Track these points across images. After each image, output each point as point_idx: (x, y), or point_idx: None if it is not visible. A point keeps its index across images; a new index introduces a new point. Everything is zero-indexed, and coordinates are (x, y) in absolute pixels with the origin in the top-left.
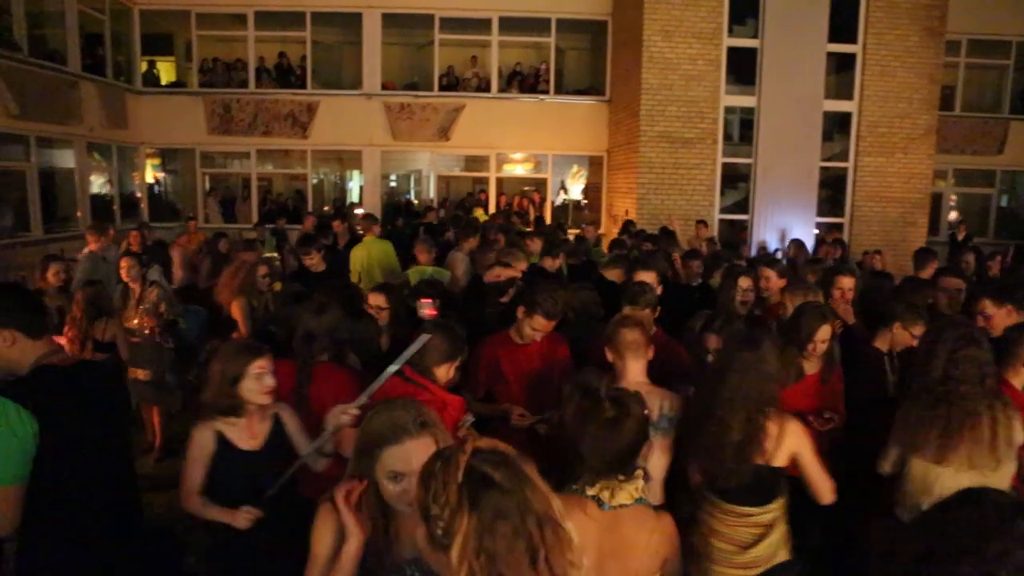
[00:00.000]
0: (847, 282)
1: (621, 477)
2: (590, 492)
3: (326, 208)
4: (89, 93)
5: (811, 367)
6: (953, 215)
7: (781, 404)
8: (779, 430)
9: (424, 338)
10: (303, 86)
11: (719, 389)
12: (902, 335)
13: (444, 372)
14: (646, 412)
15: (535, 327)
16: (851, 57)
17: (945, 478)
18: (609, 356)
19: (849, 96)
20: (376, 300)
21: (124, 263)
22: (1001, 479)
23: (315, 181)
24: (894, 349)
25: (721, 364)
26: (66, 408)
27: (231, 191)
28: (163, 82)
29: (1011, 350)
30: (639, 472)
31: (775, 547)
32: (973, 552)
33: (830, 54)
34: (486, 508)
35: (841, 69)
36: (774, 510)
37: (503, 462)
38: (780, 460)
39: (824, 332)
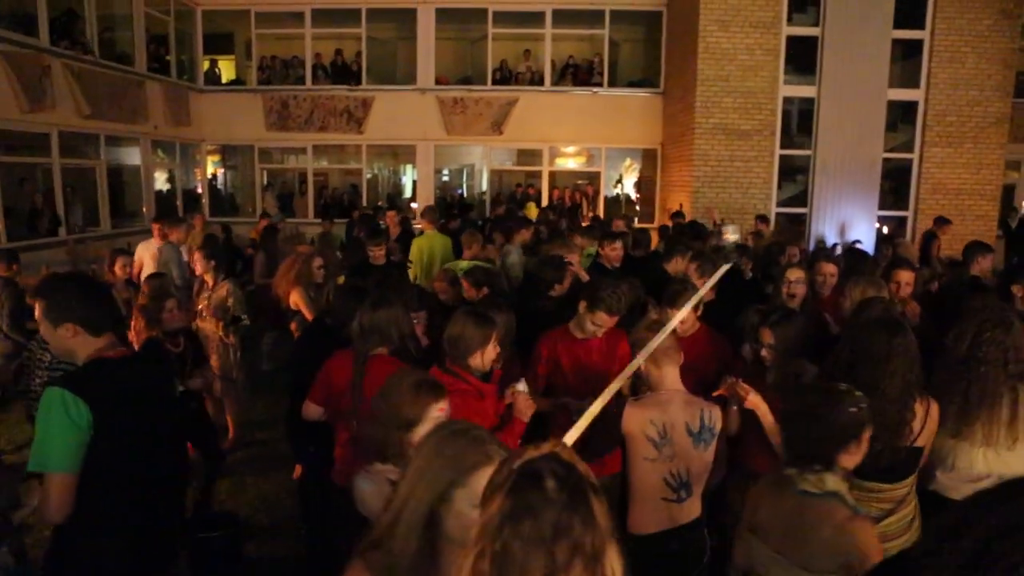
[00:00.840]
0: (905, 275)
1: (818, 467)
2: (787, 472)
3: (380, 203)
4: (154, 92)
5: None
6: None
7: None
8: (925, 412)
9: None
10: (358, 82)
11: (876, 374)
12: None
13: (478, 360)
14: (856, 409)
15: (597, 323)
16: (918, 44)
17: (960, 452)
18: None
19: (915, 84)
20: (442, 286)
21: (197, 255)
22: (1019, 459)
23: (369, 176)
24: None
25: (871, 350)
26: (118, 399)
27: (288, 186)
28: (224, 80)
29: None
30: (839, 468)
31: (906, 522)
32: None
33: (895, 41)
34: (521, 501)
35: (907, 56)
36: (907, 486)
37: (564, 475)
38: (922, 441)
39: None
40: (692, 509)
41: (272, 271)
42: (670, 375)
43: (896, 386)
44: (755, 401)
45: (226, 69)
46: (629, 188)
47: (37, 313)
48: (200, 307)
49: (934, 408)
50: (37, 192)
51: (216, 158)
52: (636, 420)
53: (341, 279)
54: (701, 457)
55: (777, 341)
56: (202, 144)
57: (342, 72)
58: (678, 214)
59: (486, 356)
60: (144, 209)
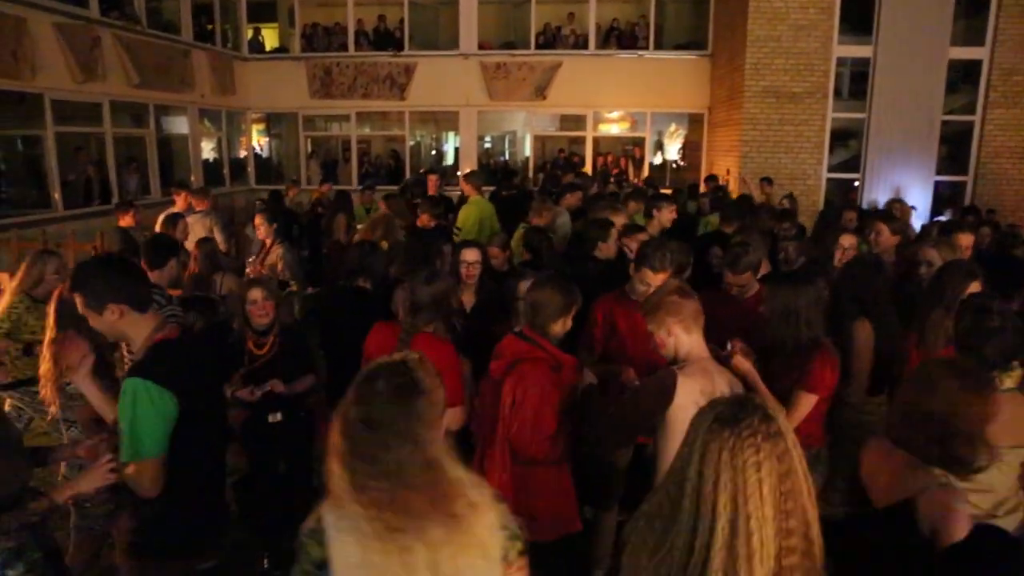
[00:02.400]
0: (966, 239)
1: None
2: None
3: (422, 171)
4: (200, 61)
5: None
6: None
7: None
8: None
9: None
10: (401, 48)
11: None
12: None
13: (560, 327)
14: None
15: (645, 281)
16: None
17: None
18: (666, 330)
19: (980, 42)
20: (470, 256)
21: (259, 219)
22: None
23: (412, 143)
24: None
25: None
26: (196, 382)
27: (331, 154)
28: (267, 48)
29: None
30: (1017, 365)
31: None
32: None
33: None
34: (358, 393)
35: (972, 13)
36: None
37: (394, 377)
38: None
39: (973, 290)
40: None
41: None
42: (700, 342)
43: None
44: (738, 361)
45: (269, 37)
46: (673, 154)
47: (80, 307)
48: (249, 271)
49: None
50: (90, 162)
51: (261, 126)
52: (688, 391)
53: (385, 244)
54: None
55: (773, 299)
56: (247, 112)
57: (385, 38)
58: (711, 178)
59: (566, 324)
60: (192, 178)
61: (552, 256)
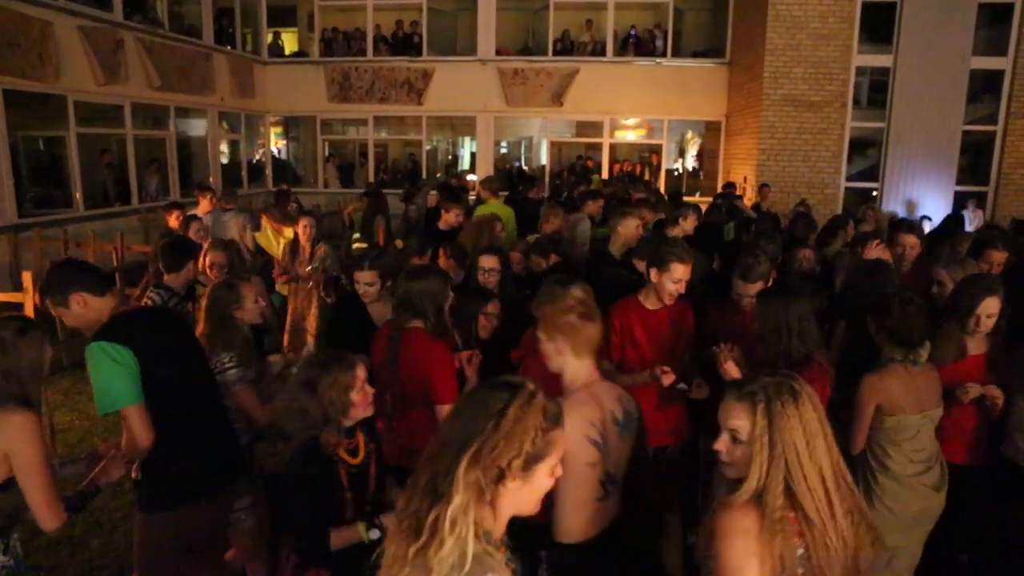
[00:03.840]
0: (999, 256)
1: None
2: (911, 358)
3: (438, 175)
4: (221, 65)
5: (976, 346)
6: None
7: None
8: None
9: None
10: (419, 53)
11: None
12: None
13: None
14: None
15: (675, 278)
16: (1007, 8)
17: None
18: (556, 348)
19: (1002, 52)
20: (489, 263)
21: (304, 222)
22: None
23: (429, 148)
24: None
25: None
26: (149, 336)
27: (348, 157)
28: (287, 52)
29: None
30: (927, 343)
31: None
32: None
33: (981, 5)
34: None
35: (994, 22)
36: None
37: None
38: None
39: (989, 306)
40: (617, 503)
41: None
42: (589, 366)
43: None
44: (728, 368)
45: (289, 41)
46: (691, 161)
47: (52, 311)
48: (299, 271)
49: None
50: (112, 163)
51: (279, 130)
52: (576, 423)
53: (399, 243)
54: (625, 447)
55: (764, 315)
56: (266, 115)
57: (403, 43)
58: (728, 185)
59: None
60: (211, 179)
61: (572, 262)
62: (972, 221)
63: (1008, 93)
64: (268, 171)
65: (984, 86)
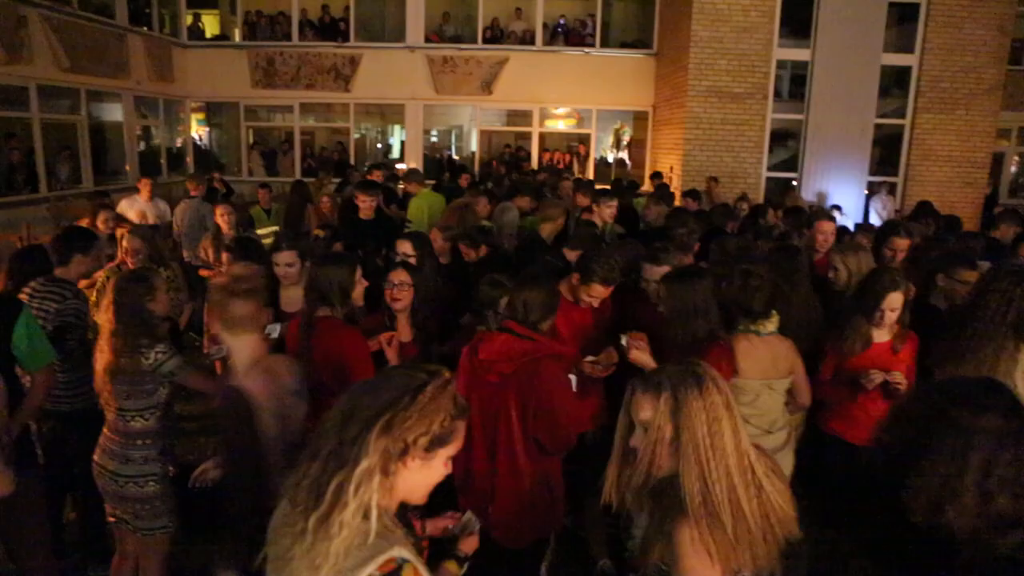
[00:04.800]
0: (901, 243)
1: (764, 319)
2: (753, 328)
3: (367, 164)
4: (136, 46)
5: (881, 336)
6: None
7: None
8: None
9: None
10: (346, 39)
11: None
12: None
13: (548, 327)
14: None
15: (593, 295)
16: (914, 8)
17: None
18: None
19: (910, 49)
20: (404, 248)
21: (219, 210)
22: None
23: (357, 136)
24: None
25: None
26: None
27: (273, 145)
28: (208, 35)
29: None
30: (774, 314)
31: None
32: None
33: (891, 4)
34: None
35: (902, 21)
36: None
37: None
38: None
39: (893, 300)
40: None
41: None
42: (253, 342)
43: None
44: (635, 355)
45: (210, 24)
46: (619, 151)
47: None
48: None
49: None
50: (18, 149)
51: (201, 116)
52: (261, 395)
53: (320, 232)
54: (300, 415)
55: (669, 297)
56: (186, 101)
57: (329, 28)
58: (656, 174)
59: (552, 322)
60: (127, 167)
61: (498, 253)
62: (885, 208)
63: (915, 88)
64: (189, 159)
65: (894, 81)
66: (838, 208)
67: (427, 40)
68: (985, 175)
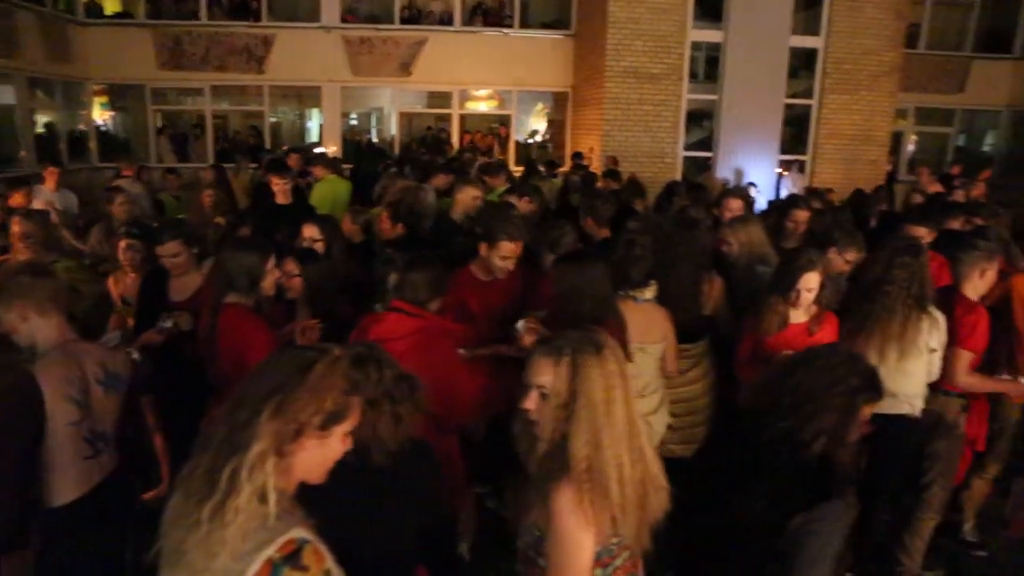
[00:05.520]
0: (801, 215)
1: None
2: (632, 293)
3: (284, 147)
4: (27, 23)
5: (798, 316)
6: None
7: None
8: (709, 287)
9: None
10: (258, 18)
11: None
12: (836, 260)
13: (437, 307)
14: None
15: (504, 254)
16: None
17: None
18: (18, 314)
19: (816, 32)
20: (310, 232)
21: (119, 199)
22: (907, 372)
23: (273, 119)
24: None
25: (670, 250)
26: None
27: (184, 129)
28: (107, 12)
29: (959, 268)
30: (652, 283)
31: (704, 371)
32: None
33: None
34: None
35: (809, 5)
36: (702, 346)
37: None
38: (708, 311)
39: (809, 280)
40: (113, 458)
41: None
42: (59, 325)
43: (687, 268)
44: (527, 341)
45: (110, 0)
46: (540, 132)
47: None
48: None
49: (718, 283)
50: None
51: (104, 99)
52: (51, 384)
53: (221, 220)
54: (112, 404)
55: (560, 279)
56: (87, 83)
57: (240, 7)
58: (577, 155)
59: (440, 304)
60: (22, 153)
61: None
62: (795, 184)
63: (822, 70)
64: (92, 144)
65: (802, 63)
66: (754, 185)
67: (343, 20)
68: (886, 153)
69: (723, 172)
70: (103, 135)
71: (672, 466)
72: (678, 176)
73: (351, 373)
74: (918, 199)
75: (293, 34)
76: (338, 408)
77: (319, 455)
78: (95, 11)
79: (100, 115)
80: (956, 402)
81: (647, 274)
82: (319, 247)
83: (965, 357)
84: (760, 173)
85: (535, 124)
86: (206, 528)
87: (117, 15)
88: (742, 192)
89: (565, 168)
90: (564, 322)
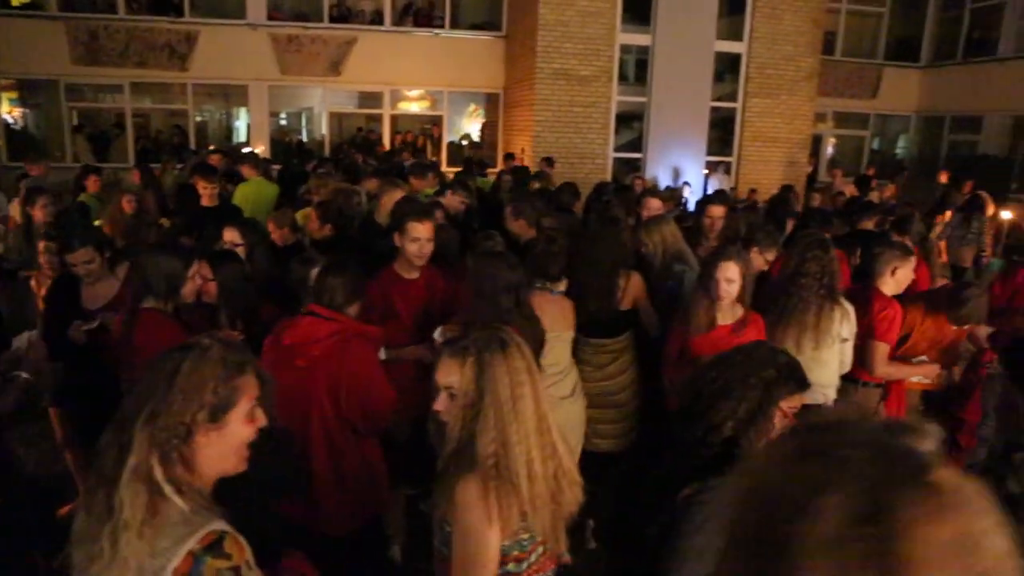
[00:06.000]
0: (717, 210)
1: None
2: (549, 286)
3: (210, 147)
4: None
5: (725, 318)
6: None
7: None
8: (627, 282)
9: None
10: (180, 14)
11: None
12: (757, 259)
13: (355, 312)
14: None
15: (414, 236)
16: None
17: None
18: None
19: (739, 38)
20: (231, 236)
21: (40, 201)
22: (822, 361)
23: (199, 119)
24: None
25: (590, 247)
26: None
27: (103, 127)
28: (14, 3)
29: (874, 266)
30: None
31: (627, 365)
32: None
33: None
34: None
35: (733, 11)
36: (623, 341)
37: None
38: (626, 304)
39: (727, 269)
40: None
41: None
42: None
43: (606, 262)
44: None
45: None
46: (474, 133)
47: None
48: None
49: (636, 278)
50: None
51: (13, 95)
52: None
53: (166, 222)
54: None
55: (471, 278)
56: None
57: (161, 2)
58: (509, 155)
59: (359, 308)
60: None
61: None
62: (721, 185)
63: (745, 75)
64: (1, 142)
65: (727, 67)
66: (688, 184)
67: (269, 17)
68: (807, 155)
69: (652, 172)
70: (13, 133)
71: (601, 461)
72: (608, 176)
73: (229, 356)
74: (840, 200)
75: (218, 31)
76: (221, 398)
77: (224, 445)
78: (1, 1)
79: (9, 111)
80: (875, 392)
81: (562, 270)
82: (240, 251)
83: (882, 349)
84: (688, 174)
85: (469, 125)
86: (108, 553)
87: (25, 6)
88: (669, 192)
89: (498, 169)
90: (480, 321)
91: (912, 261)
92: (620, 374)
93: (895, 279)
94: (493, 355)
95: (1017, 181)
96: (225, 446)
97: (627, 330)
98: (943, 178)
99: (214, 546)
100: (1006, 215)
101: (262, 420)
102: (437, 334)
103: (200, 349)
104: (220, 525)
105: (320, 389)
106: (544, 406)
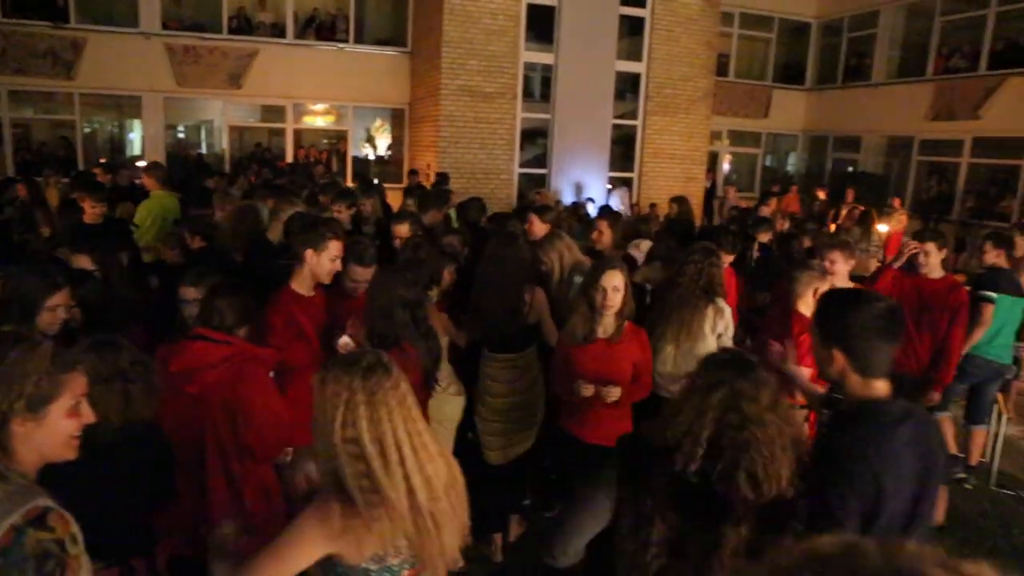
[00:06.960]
0: (602, 224)
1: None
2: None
3: (102, 160)
4: None
5: (604, 330)
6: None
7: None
8: (532, 298)
9: None
10: (66, 20)
11: (490, 277)
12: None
13: (244, 333)
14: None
15: (334, 255)
16: (641, 20)
17: (657, 353)
18: None
19: (639, 58)
20: (81, 263)
21: None
22: (697, 355)
23: (87, 130)
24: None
25: (490, 260)
26: None
27: None
28: None
29: (792, 287)
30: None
31: (534, 379)
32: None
33: (622, 16)
34: None
35: (633, 32)
36: (530, 355)
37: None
38: (532, 319)
39: (611, 277)
40: None
41: None
42: None
43: (511, 280)
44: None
45: None
46: (380, 148)
47: None
48: None
49: (539, 293)
50: None
51: None
52: None
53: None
54: None
55: (369, 294)
56: None
57: (42, 5)
58: (413, 172)
59: (250, 330)
60: None
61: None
62: (623, 201)
63: (645, 94)
64: None
65: (628, 86)
66: (591, 200)
67: (164, 26)
68: (704, 171)
69: (557, 187)
70: None
71: (498, 473)
72: (514, 192)
73: (61, 353)
74: (734, 213)
75: (108, 39)
76: (42, 391)
77: (45, 435)
78: None
79: None
80: (800, 414)
81: (437, 278)
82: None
83: (804, 373)
84: (592, 190)
85: (378, 139)
86: None
87: None
88: (572, 208)
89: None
90: (376, 334)
91: (828, 280)
92: (527, 390)
93: (816, 299)
94: (330, 372)
95: (892, 195)
96: (47, 436)
97: (531, 344)
98: (821, 194)
99: (38, 520)
100: (882, 228)
101: (89, 416)
102: (341, 343)
103: (31, 343)
104: (45, 501)
105: (216, 416)
106: (421, 424)
